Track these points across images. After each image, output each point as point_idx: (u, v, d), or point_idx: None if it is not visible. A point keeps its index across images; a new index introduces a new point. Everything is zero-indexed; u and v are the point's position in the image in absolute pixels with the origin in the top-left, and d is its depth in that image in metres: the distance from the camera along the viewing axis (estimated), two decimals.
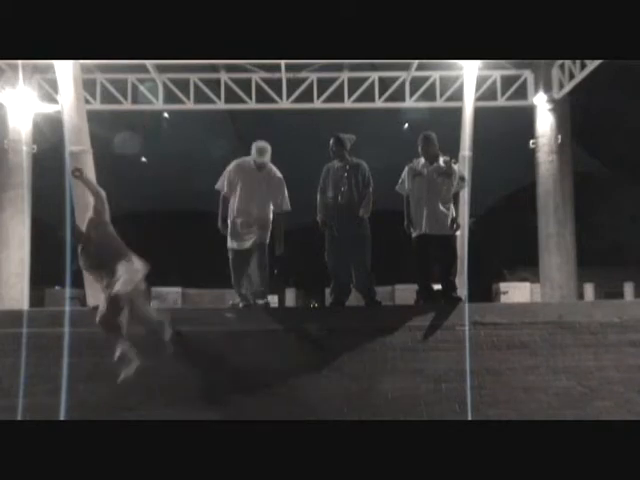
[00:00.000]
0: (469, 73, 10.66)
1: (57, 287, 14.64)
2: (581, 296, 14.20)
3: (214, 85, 12.04)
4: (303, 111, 12.30)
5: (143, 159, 16.27)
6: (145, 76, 11.85)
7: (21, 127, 11.47)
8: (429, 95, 12.06)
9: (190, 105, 12.02)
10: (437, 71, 11.87)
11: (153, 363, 4.93)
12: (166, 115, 13.36)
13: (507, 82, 12.11)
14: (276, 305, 11.29)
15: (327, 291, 6.76)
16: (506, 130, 12.33)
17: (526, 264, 16.49)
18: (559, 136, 11.58)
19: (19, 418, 5.10)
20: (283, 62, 11.25)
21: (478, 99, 11.08)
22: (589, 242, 16.59)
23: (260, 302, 6.19)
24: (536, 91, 11.91)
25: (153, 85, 11.95)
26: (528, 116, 11.98)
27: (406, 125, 13.85)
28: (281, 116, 12.70)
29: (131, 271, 4.79)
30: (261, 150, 6.11)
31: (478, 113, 10.55)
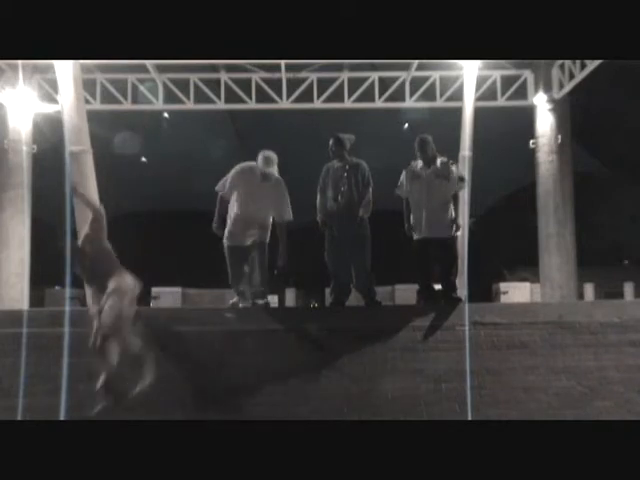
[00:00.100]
0: (469, 73, 10.65)
1: (57, 287, 14.63)
2: (581, 296, 14.18)
3: (214, 85, 12.03)
4: (303, 111, 12.29)
5: (143, 159, 16.25)
6: (145, 76, 11.84)
7: (21, 127, 11.46)
8: (429, 95, 12.05)
9: (190, 105, 12.01)
10: (437, 71, 11.86)
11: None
12: (166, 115, 13.34)
13: (507, 82, 12.11)
14: (276, 305, 11.29)
15: (327, 291, 6.76)
16: (506, 130, 12.32)
17: (526, 264, 16.47)
18: (559, 136, 11.57)
19: (19, 418, 5.10)
20: (283, 62, 11.24)
21: (478, 99, 11.07)
22: (589, 242, 16.59)
23: (260, 302, 6.19)
24: (536, 91, 11.90)
25: (153, 85, 11.94)
26: (528, 116, 11.97)
27: (406, 125, 13.83)
28: (281, 116, 12.69)
29: (121, 292, 4.73)
30: (268, 160, 6.06)
31: (478, 113, 10.54)
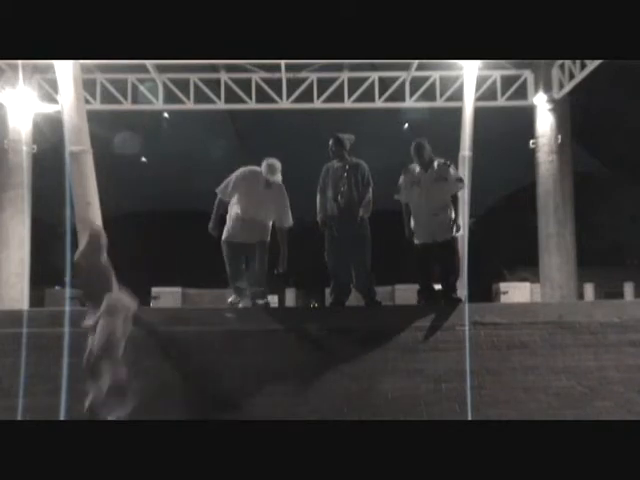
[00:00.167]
0: (469, 73, 10.64)
1: (57, 287, 14.64)
2: (581, 296, 14.18)
3: (214, 85, 12.03)
4: (303, 111, 12.30)
5: (143, 159, 16.27)
6: (145, 76, 11.84)
7: (21, 127, 11.46)
8: (429, 95, 12.04)
9: (190, 105, 12.01)
10: (437, 71, 11.86)
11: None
12: (166, 115, 13.35)
13: (507, 82, 12.11)
14: (276, 305, 11.29)
15: (327, 291, 6.76)
16: (506, 130, 12.33)
17: (526, 264, 16.49)
18: (559, 136, 11.57)
19: (19, 418, 5.10)
20: (283, 62, 11.24)
21: (478, 99, 11.06)
22: (589, 242, 16.60)
23: (260, 302, 6.19)
24: (536, 91, 11.90)
25: (153, 85, 11.94)
26: (528, 116, 11.97)
27: (406, 125, 13.85)
28: (281, 116, 12.70)
29: (115, 312, 4.65)
30: (272, 168, 6.07)
31: (478, 113, 10.53)
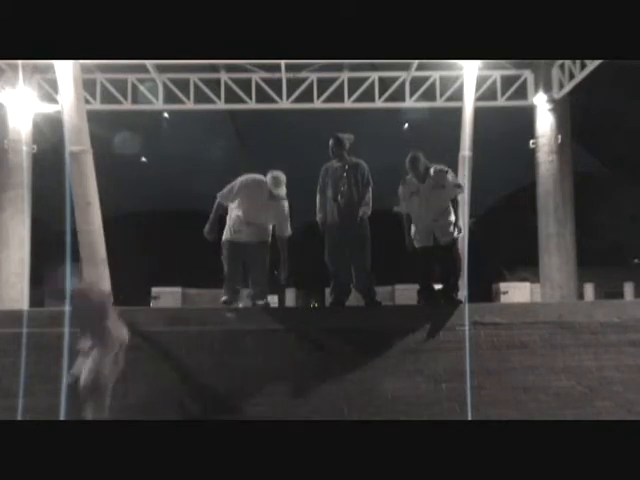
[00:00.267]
0: (469, 73, 10.65)
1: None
2: (581, 296, 14.20)
3: (214, 85, 12.03)
4: (303, 111, 12.30)
5: (143, 159, 16.27)
6: (145, 76, 11.84)
7: (21, 127, 11.47)
8: (429, 95, 12.05)
9: (190, 105, 12.01)
10: (437, 71, 11.87)
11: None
12: (166, 115, 13.35)
13: (507, 82, 12.11)
14: (276, 305, 11.29)
15: (327, 291, 6.76)
16: (506, 130, 12.35)
17: (526, 264, 16.50)
18: (559, 136, 11.57)
19: (19, 418, 5.10)
20: (283, 62, 11.25)
21: (478, 99, 11.07)
22: (589, 242, 16.61)
23: (260, 302, 6.18)
24: (536, 91, 11.91)
25: (153, 85, 11.94)
26: (528, 116, 11.98)
27: (406, 125, 13.85)
28: (281, 116, 12.71)
29: (106, 349, 4.48)
30: (277, 181, 6.02)
31: (478, 113, 10.54)
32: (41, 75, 11.65)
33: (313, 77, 11.95)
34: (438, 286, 6.35)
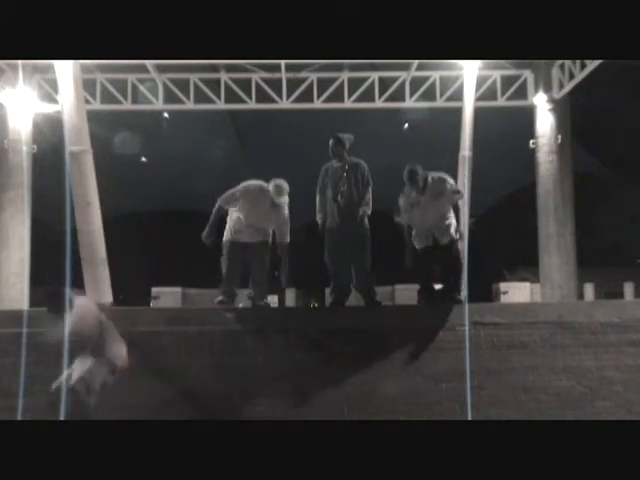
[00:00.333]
0: (469, 73, 10.64)
1: None
2: (581, 296, 14.19)
3: (214, 85, 12.03)
4: (303, 111, 12.29)
5: (143, 159, 16.27)
6: (145, 76, 11.84)
7: (21, 127, 11.46)
8: (429, 95, 12.04)
9: (190, 105, 12.01)
10: (437, 71, 11.86)
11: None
12: (166, 115, 13.35)
13: (507, 82, 12.11)
14: (276, 305, 11.29)
15: (327, 291, 6.76)
16: (506, 130, 12.33)
17: (526, 264, 16.49)
18: (559, 136, 11.56)
19: (19, 418, 5.10)
20: (283, 62, 11.25)
21: (478, 99, 11.06)
22: (589, 242, 16.61)
23: (260, 302, 6.18)
24: (536, 91, 11.90)
25: (153, 85, 11.93)
26: (528, 116, 11.97)
27: (406, 125, 13.85)
28: (281, 116, 12.70)
29: (100, 372, 4.54)
30: (280, 189, 6.01)
31: (478, 113, 10.53)
32: (41, 75, 11.64)
33: (313, 77, 11.95)
34: (438, 286, 6.35)
